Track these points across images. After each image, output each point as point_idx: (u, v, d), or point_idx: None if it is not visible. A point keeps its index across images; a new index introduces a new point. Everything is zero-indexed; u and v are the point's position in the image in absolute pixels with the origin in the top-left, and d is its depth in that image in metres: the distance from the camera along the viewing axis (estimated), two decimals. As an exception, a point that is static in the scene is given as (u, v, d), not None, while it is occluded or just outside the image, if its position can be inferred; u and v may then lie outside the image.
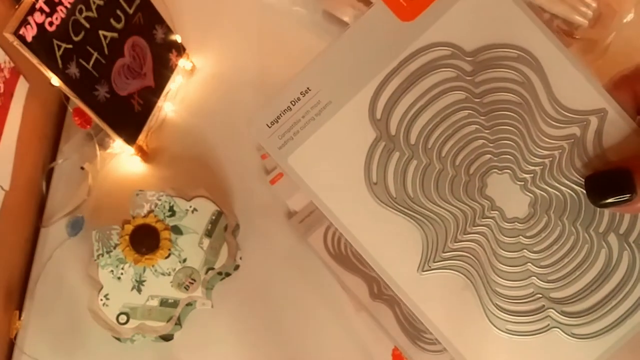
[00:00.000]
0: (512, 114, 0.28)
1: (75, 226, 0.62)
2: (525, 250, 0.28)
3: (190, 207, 0.56)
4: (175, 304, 0.54)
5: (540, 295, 0.28)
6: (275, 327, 0.56)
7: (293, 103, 0.28)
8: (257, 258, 0.59)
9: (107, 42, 0.60)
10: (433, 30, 0.28)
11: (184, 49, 0.69)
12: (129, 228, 0.54)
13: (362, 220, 0.29)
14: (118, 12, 0.61)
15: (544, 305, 0.28)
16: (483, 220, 0.29)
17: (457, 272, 0.29)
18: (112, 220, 0.56)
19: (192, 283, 0.54)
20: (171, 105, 0.69)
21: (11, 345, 0.59)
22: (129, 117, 0.64)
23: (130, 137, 0.64)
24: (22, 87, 0.63)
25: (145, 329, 0.54)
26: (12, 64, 0.61)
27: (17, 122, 0.63)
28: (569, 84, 0.28)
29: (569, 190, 0.28)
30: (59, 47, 0.55)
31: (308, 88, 0.28)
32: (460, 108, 0.28)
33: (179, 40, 0.68)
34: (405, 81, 0.28)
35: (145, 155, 0.66)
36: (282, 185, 0.61)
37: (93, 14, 0.58)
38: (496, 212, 0.28)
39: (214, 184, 0.63)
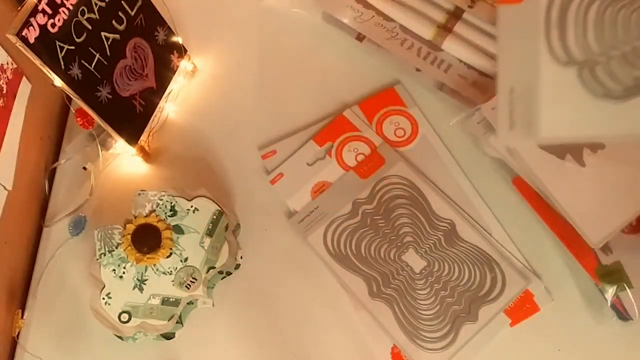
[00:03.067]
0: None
1: (78, 226, 0.62)
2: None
3: (192, 206, 0.57)
4: (176, 302, 0.54)
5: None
6: (276, 326, 0.56)
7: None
8: (257, 257, 0.59)
9: (109, 43, 0.60)
10: None
11: (185, 51, 0.69)
12: (131, 227, 0.55)
13: None
14: (120, 13, 0.61)
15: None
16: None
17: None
18: (114, 220, 0.56)
19: (194, 282, 0.54)
20: (172, 106, 0.69)
21: (14, 343, 0.59)
22: (130, 117, 0.64)
23: (132, 137, 0.64)
24: (24, 88, 0.64)
25: (147, 327, 0.54)
26: (14, 65, 0.62)
27: (19, 122, 0.63)
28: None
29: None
30: (62, 48, 0.55)
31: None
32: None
33: (180, 42, 0.69)
34: None
35: (147, 155, 0.66)
36: (282, 185, 0.61)
37: (95, 16, 0.58)
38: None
39: (214, 184, 0.63)
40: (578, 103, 0.30)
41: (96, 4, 0.58)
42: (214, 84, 0.70)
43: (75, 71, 0.57)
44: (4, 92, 0.60)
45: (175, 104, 0.70)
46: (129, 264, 0.55)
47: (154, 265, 0.54)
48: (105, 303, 0.54)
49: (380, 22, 0.64)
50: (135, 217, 0.55)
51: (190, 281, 0.54)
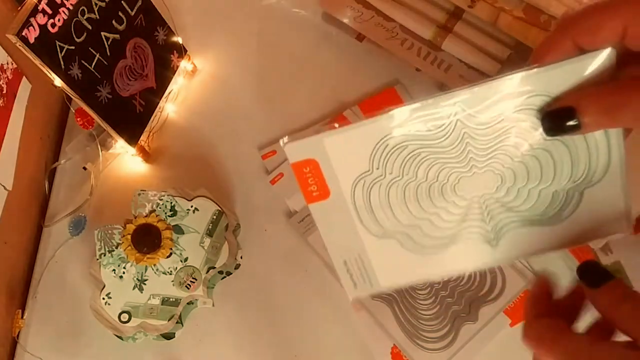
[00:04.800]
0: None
1: (78, 226, 0.62)
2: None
3: (192, 206, 0.57)
4: (176, 302, 0.54)
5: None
6: (276, 326, 0.56)
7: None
8: (257, 257, 0.59)
9: (109, 43, 0.60)
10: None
11: (185, 51, 0.69)
12: (131, 227, 0.55)
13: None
14: (120, 13, 0.61)
15: None
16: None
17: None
18: (114, 220, 0.57)
19: (194, 282, 0.54)
20: (172, 106, 0.69)
21: (14, 343, 0.59)
22: (130, 117, 0.64)
23: (131, 137, 0.64)
24: (24, 88, 0.64)
25: (147, 327, 0.54)
26: (14, 65, 0.62)
27: (19, 122, 0.63)
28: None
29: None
30: (62, 48, 0.55)
31: None
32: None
33: (180, 42, 0.69)
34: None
35: (147, 155, 0.66)
36: (282, 185, 0.61)
37: (95, 16, 0.58)
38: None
39: (214, 184, 0.63)
40: (404, 262, 0.36)
41: (96, 4, 0.58)
42: (214, 84, 0.70)
43: (75, 71, 0.57)
44: (4, 92, 0.60)
45: (175, 104, 0.70)
46: (129, 264, 0.55)
47: (154, 265, 0.54)
48: (105, 303, 0.54)
49: (380, 22, 0.64)
50: (135, 217, 0.55)
51: (190, 281, 0.54)
